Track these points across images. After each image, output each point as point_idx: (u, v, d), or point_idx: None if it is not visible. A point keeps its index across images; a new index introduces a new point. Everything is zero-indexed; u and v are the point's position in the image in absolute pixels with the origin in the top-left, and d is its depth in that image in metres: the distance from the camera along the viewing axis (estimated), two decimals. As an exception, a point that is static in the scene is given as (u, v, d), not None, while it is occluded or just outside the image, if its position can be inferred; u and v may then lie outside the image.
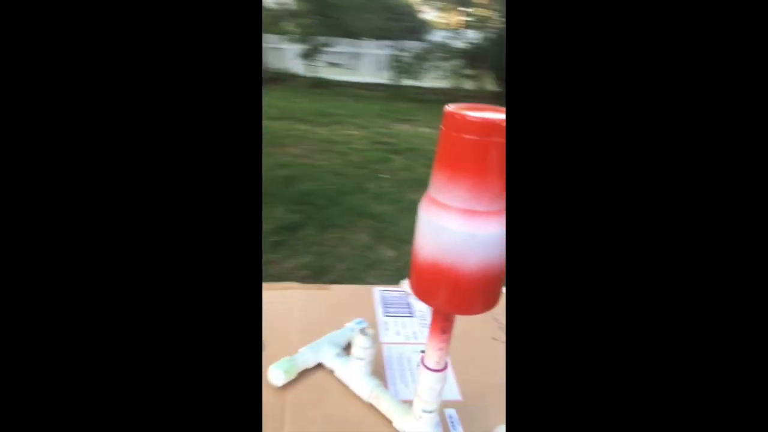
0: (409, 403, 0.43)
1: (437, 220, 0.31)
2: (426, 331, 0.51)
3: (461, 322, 0.40)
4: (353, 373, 0.47)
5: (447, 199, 0.30)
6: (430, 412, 0.40)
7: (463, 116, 0.28)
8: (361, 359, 0.47)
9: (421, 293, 0.33)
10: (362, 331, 0.47)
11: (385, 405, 0.45)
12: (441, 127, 0.30)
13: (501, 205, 0.30)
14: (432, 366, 0.38)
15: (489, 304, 0.33)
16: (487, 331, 0.60)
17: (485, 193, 0.29)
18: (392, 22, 8.54)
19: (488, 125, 0.28)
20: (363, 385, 0.46)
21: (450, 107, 0.30)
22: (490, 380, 0.51)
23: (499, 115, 0.29)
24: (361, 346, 0.47)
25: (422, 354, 0.39)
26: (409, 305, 0.64)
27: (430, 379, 0.38)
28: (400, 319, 0.61)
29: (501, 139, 0.28)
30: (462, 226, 0.30)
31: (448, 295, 0.32)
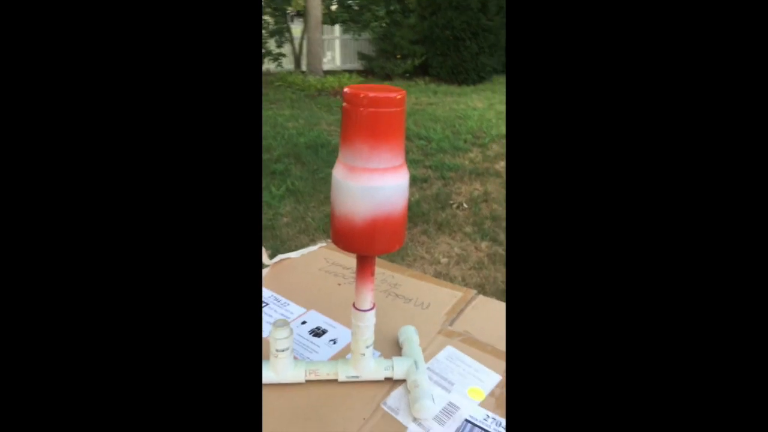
0: (336, 358, 0.51)
1: (368, 182, 0.40)
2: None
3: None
4: (283, 366, 0.51)
5: (374, 163, 0.40)
6: (369, 346, 0.51)
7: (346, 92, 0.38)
8: (285, 349, 0.52)
9: (358, 246, 0.43)
10: (277, 324, 0.52)
11: (324, 369, 0.52)
12: (343, 103, 0.40)
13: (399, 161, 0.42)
14: (368, 307, 0.48)
15: (402, 240, 0.45)
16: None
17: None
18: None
19: (369, 98, 0.37)
20: (296, 371, 0.52)
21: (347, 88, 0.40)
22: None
23: (384, 93, 0.39)
24: (283, 337, 0.51)
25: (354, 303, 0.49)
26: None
27: (368, 317, 0.49)
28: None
29: (384, 110, 0.38)
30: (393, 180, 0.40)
31: (385, 239, 0.42)
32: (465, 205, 2.58)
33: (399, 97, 0.38)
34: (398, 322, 0.64)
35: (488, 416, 0.50)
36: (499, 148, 3.53)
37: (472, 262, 2.01)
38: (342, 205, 0.41)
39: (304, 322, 0.64)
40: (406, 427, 0.47)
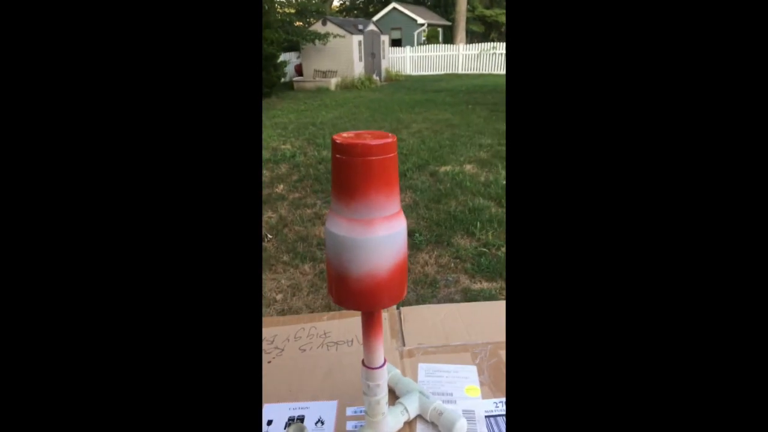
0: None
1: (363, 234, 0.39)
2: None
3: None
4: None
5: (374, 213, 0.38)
6: (386, 403, 0.49)
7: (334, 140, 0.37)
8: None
9: (378, 299, 0.40)
10: (297, 428, 0.44)
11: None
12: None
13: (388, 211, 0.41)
14: (381, 363, 0.46)
15: (404, 291, 0.44)
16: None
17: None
18: None
19: (355, 147, 0.36)
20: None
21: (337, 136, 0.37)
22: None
23: (372, 140, 0.37)
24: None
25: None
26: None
27: (382, 374, 0.47)
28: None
29: (372, 158, 0.37)
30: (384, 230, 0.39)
31: (387, 294, 0.41)
32: (269, 236, 2.52)
33: (392, 140, 0.38)
34: (355, 366, 0.62)
35: (495, 403, 0.55)
36: (268, 171, 3.55)
37: (306, 287, 2.00)
38: (365, 263, 0.38)
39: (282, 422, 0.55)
40: (454, 454, 0.48)
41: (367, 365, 0.46)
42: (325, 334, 0.72)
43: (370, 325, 0.45)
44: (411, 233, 2.27)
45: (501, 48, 12.46)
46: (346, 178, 0.37)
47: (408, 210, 2.61)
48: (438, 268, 1.99)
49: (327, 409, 0.56)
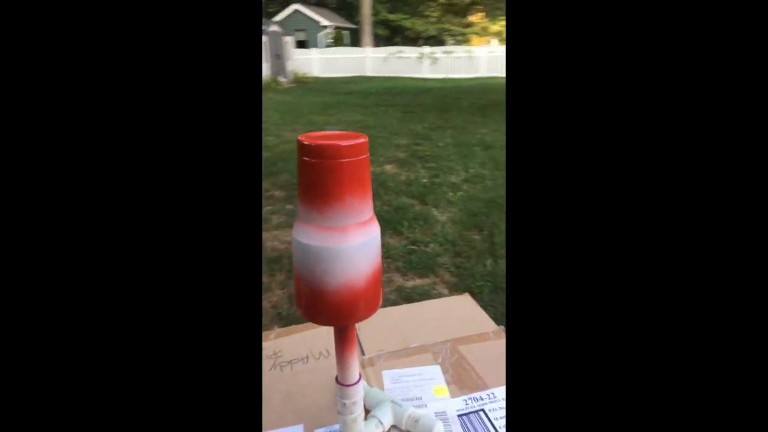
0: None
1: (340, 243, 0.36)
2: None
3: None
4: None
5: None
6: (362, 421, 0.46)
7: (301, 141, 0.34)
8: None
9: (340, 317, 0.37)
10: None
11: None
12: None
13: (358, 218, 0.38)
14: (355, 379, 0.43)
15: (380, 301, 0.42)
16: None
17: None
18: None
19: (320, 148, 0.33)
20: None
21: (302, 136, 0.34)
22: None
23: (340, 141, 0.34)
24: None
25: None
26: None
27: (357, 390, 0.44)
28: None
29: (364, 156, 0.34)
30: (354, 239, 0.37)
31: (364, 305, 0.39)
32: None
33: (365, 140, 0.35)
34: (327, 384, 0.58)
35: (465, 400, 0.55)
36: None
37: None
38: (342, 274, 0.35)
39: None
40: (435, 460, 0.47)
41: (342, 383, 0.43)
42: (275, 354, 0.66)
43: (344, 339, 0.42)
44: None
45: (407, 52, 12.86)
46: (319, 183, 0.34)
47: (333, 213, 2.56)
48: (370, 269, 1.98)
49: (292, 435, 0.52)
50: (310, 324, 0.73)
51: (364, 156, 0.35)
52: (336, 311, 0.37)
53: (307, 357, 0.65)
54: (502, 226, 2.24)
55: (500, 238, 2.13)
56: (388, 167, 3.39)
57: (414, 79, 11.33)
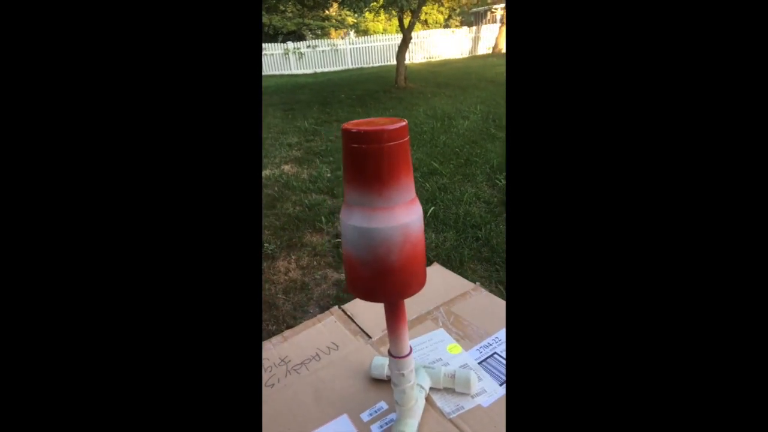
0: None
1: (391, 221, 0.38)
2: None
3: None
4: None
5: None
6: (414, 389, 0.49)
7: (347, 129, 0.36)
8: None
9: (402, 291, 0.40)
10: None
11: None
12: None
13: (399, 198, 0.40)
14: (407, 351, 0.46)
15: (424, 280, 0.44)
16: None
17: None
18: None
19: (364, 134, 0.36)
20: None
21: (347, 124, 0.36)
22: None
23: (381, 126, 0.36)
24: None
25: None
26: None
27: (410, 362, 0.47)
28: None
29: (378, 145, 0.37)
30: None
31: (423, 275, 0.42)
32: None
33: (405, 123, 0.38)
34: (350, 373, 0.60)
35: (478, 350, 0.62)
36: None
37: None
38: (403, 250, 0.38)
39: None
40: (480, 405, 0.52)
41: (396, 355, 0.46)
42: (283, 360, 0.66)
43: (397, 314, 0.44)
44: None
45: (271, 49, 12.48)
46: (377, 167, 0.36)
47: (244, 223, 2.45)
48: (301, 271, 1.95)
49: (342, 426, 0.53)
50: (301, 325, 0.73)
51: (408, 137, 0.38)
52: (401, 286, 0.40)
53: (318, 354, 0.66)
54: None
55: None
56: (287, 167, 3.33)
57: (284, 76, 11.09)
